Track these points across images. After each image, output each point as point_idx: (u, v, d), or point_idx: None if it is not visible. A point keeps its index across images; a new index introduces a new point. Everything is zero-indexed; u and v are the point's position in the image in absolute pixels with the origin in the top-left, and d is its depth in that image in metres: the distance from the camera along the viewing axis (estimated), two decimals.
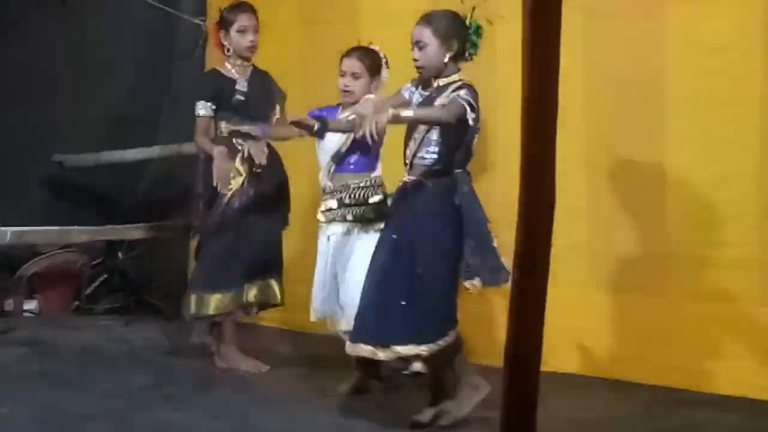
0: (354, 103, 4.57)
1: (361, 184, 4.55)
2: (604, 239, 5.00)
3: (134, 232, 6.48)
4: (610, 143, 4.96)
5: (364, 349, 3.99)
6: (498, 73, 5.07)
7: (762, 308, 4.57)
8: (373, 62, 4.63)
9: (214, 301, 4.93)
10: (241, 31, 5.02)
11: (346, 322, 4.45)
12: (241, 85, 5.04)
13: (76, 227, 6.26)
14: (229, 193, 4.96)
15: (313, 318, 4.71)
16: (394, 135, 4.28)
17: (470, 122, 3.89)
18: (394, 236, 4.05)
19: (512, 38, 5.13)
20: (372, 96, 4.59)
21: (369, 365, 4.33)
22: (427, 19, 4.04)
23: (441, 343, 3.93)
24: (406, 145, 4.10)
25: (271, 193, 5.05)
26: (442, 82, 4.03)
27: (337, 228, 4.59)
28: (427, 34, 4.00)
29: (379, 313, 4.00)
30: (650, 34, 4.87)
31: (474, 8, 4.03)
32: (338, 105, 4.70)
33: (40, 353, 5.22)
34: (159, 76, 6.77)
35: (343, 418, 4.16)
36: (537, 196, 1.64)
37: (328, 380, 4.65)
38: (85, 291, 6.79)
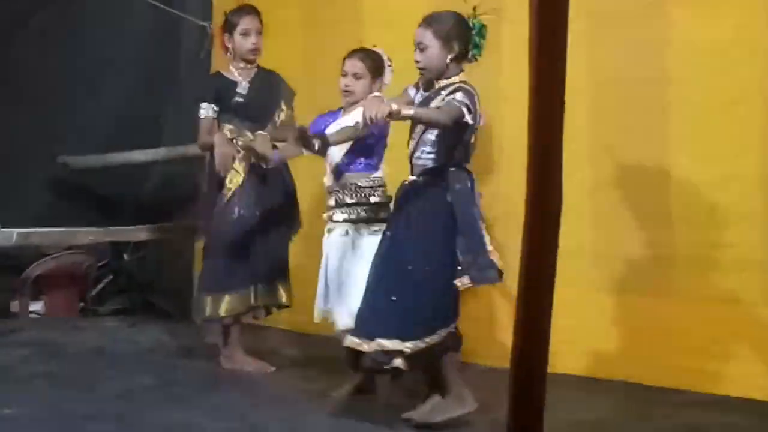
0: (354, 104, 4.59)
1: (362, 184, 4.56)
2: (608, 240, 5.00)
3: (140, 233, 6.49)
4: (614, 144, 4.96)
5: (350, 340, 4.03)
6: (503, 74, 5.09)
7: (766, 309, 4.57)
8: (375, 63, 4.63)
9: (223, 303, 4.94)
10: (244, 34, 5.04)
11: (343, 323, 4.47)
12: (242, 88, 5.06)
13: (81, 228, 6.27)
14: (229, 193, 4.98)
15: (316, 319, 4.72)
16: (399, 136, 4.29)
17: (469, 121, 3.89)
18: (389, 234, 4.13)
19: (517, 40, 5.13)
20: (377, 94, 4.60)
21: (355, 360, 4.30)
22: (428, 20, 4.05)
23: (427, 340, 3.93)
24: (408, 146, 4.13)
25: (275, 194, 5.06)
26: (443, 83, 4.03)
27: (339, 227, 4.60)
28: (428, 36, 4.02)
29: (370, 308, 4.05)
30: (654, 36, 4.88)
31: (475, 8, 4.03)
32: (340, 109, 4.71)
33: (46, 354, 5.23)
34: (164, 78, 6.78)
35: (347, 419, 4.16)
36: (544, 197, 1.64)
37: (333, 381, 4.65)
38: (91, 292, 6.80)
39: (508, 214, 5.16)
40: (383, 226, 4.41)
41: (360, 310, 4.11)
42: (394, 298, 3.98)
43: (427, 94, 4.08)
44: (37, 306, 6.50)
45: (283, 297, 5.09)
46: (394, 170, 4.56)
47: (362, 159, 4.58)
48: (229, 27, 5.09)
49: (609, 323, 4.98)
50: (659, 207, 4.84)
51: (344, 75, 4.62)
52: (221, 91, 5.06)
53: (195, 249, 6.17)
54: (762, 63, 4.56)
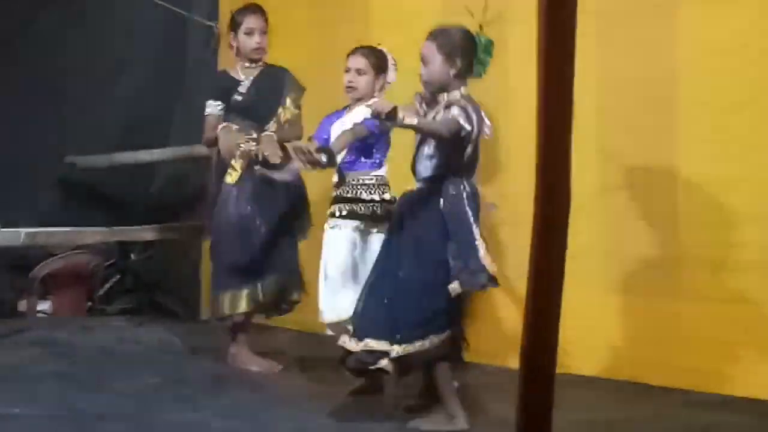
0: (359, 100, 4.60)
1: (363, 182, 4.57)
2: (617, 241, 5.00)
3: (147, 233, 6.50)
4: (623, 145, 4.96)
5: (342, 339, 4.09)
6: (509, 74, 5.08)
7: None
8: (378, 60, 4.65)
9: (242, 300, 4.95)
10: (248, 33, 5.06)
11: (327, 316, 4.55)
12: (243, 86, 5.08)
13: (89, 228, 6.29)
14: (225, 190, 5.02)
15: (320, 318, 4.72)
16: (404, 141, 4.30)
17: (466, 128, 3.89)
18: (387, 240, 4.17)
19: (524, 40, 5.14)
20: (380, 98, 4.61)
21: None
22: (434, 34, 4.07)
23: (418, 345, 3.94)
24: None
25: (279, 192, 5.04)
26: (444, 97, 4.03)
27: (339, 224, 4.61)
28: (432, 50, 4.03)
29: (363, 309, 4.09)
30: (663, 36, 4.87)
31: (481, 27, 4.02)
32: (345, 108, 4.72)
33: (54, 354, 5.24)
34: (171, 78, 6.79)
35: (355, 419, 4.16)
36: (553, 197, 1.64)
37: (341, 381, 4.65)
38: (98, 292, 6.81)
39: (515, 216, 5.16)
40: (384, 224, 4.43)
41: (354, 312, 4.16)
42: (386, 301, 4.01)
43: (428, 107, 4.09)
44: (44, 305, 6.51)
45: (293, 294, 5.08)
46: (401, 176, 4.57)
47: (363, 157, 4.59)
48: (233, 26, 5.12)
49: (618, 324, 4.97)
50: (668, 207, 4.83)
51: (347, 71, 4.64)
52: (225, 89, 5.11)
53: (202, 249, 6.18)
54: None
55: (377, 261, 4.18)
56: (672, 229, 4.82)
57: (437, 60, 4.01)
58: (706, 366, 4.65)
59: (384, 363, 3.97)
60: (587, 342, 4.93)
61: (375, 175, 4.58)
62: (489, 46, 4.05)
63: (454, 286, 3.91)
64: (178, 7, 6.59)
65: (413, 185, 4.16)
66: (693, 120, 4.75)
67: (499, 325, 5.29)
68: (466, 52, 4.02)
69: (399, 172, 4.45)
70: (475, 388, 4.65)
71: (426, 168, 4.07)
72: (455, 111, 3.92)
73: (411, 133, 4.11)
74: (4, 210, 6.27)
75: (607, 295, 4.99)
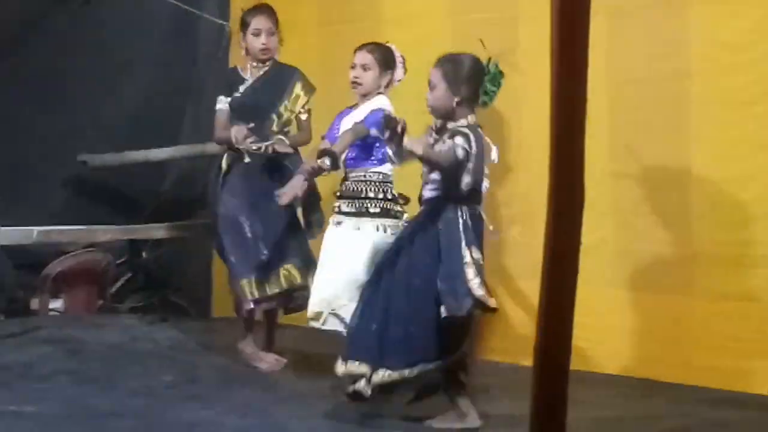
0: (365, 96, 4.61)
1: (362, 179, 4.58)
2: (629, 238, 4.99)
3: (158, 231, 6.51)
4: (634, 142, 4.95)
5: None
6: (520, 71, 5.07)
7: None
8: (384, 56, 4.65)
9: (270, 283, 4.96)
10: (256, 34, 5.08)
11: (310, 308, 4.57)
12: (244, 86, 5.10)
13: (101, 226, 6.30)
14: (220, 182, 5.09)
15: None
16: None
17: (459, 158, 3.87)
18: (381, 263, 4.16)
19: (534, 37, 5.15)
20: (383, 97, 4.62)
21: None
22: (441, 60, 4.05)
23: (406, 373, 3.95)
24: None
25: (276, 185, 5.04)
26: (450, 125, 4.02)
27: (338, 219, 4.63)
28: (437, 76, 4.02)
29: (353, 331, 4.12)
30: (673, 34, 4.87)
31: (490, 58, 3.99)
32: (354, 105, 4.72)
33: (66, 352, 5.25)
34: (183, 77, 6.80)
35: (367, 416, 4.16)
36: (566, 194, 1.64)
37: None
38: (110, 290, 6.82)
39: (527, 213, 5.17)
40: (384, 221, 4.43)
41: (347, 332, 4.21)
42: (374, 327, 4.02)
43: (438, 134, 4.09)
44: (56, 303, 6.52)
45: (298, 278, 5.05)
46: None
47: (365, 154, 4.60)
48: (242, 26, 5.16)
49: (630, 321, 4.97)
50: (680, 204, 4.83)
51: (353, 67, 4.65)
52: (231, 86, 5.15)
53: (213, 247, 6.18)
54: None
55: (372, 280, 4.15)
56: (684, 226, 4.82)
57: (441, 87, 4.00)
58: (718, 363, 4.64)
59: (361, 386, 3.98)
60: (599, 339, 4.93)
61: (377, 172, 4.58)
62: (497, 76, 4.00)
63: (442, 311, 3.89)
64: (190, 5, 6.59)
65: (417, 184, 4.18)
66: (705, 117, 4.75)
67: (510, 322, 5.29)
68: (472, 80, 3.99)
69: (402, 171, 4.44)
70: (485, 385, 4.64)
71: (428, 191, 4.08)
72: (457, 140, 3.91)
73: (418, 132, 4.13)
74: (17, 208, 6.30)
75: (619, 292, 4.98)
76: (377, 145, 4.55)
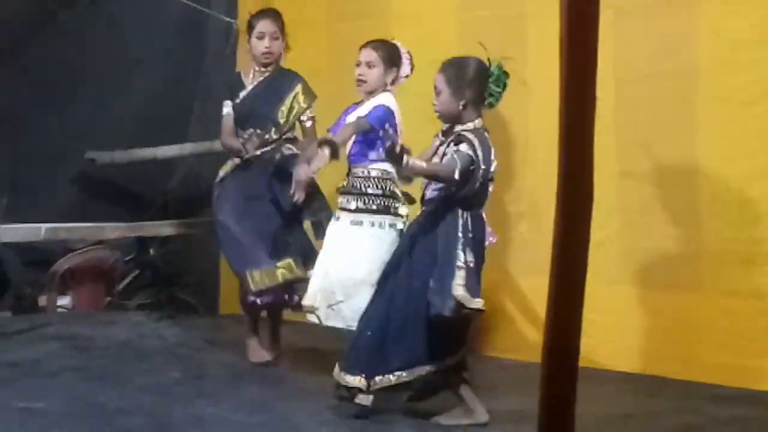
0: (371, 93, 4.61)
1: (362, 175, 4.59)
2: (636, 236, 4.99)
3: (166, 228, 6.53)
4: (642, 140, 4.95)
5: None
6: (528, 67, 5.08)
7: None
8: (389, 53, 4.64)
9: (279, 272, 4.96)
10: (259, 37, 5.08)
11: (306, 300, 4.58)
12: (245, 92, 5.10)
13: (109, 224, 6.32)
14: (218, 181, 5.13)
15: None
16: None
17: (456, 178, 3.89)
18: (389, 266, 4.18)
19: (542, 33, 5.14)
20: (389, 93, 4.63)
21: None
22: (444, 65, 4.08)
23: (404, 375, 4.00)
24: None
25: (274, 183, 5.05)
26: (457, 128, 4.04)
27: (339, 215, 4.64)
28: (441, 81, 4.05)
29: (354, 340, 4.18)
30: (681, 32, 4.86)
31: (489, 59, 4.00)
32: (360, 102, 4.72)
33: (74, 349, 5.25)
34: (190, 74, 6.81)
35: (375, 413, 4.17)
36: (575, 191, 1.64)
37: None
38: (118, 287, 6.83)
39: (534, 209, 5.17)
40: (383, 218, 4.44)
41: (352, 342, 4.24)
42: (369, 334, 4.06)
43: (444, 138, 4.10)
44: (64, 300, 6.54)
45: (297, 272, 5.04)
46: None
47: (365, 151, 4.60)
48: (248, 29, 5.15)
49: (638, 318, 4.97)
50: (687, 202, 4.82)
51: (358, 65, 4.65)
52: (234, 91, 5.16)
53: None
54: None
55: (379, 285, 4.20)
56: (692, 223, 4.81)
57: (446, 92, 4.03)
58: (726, 360, 4.64)
59: (362, 400, 4.07)
60: (606, 336, 4.93)
61: (378, 169, 4.58)
62: (501, 77, 4.01)
63: (431, 310, 3.93)
64: (198, 3, 6.60)
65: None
66: (712, 114, 4.74)
67: (517, 319, 5.29)
68: (476, 83, 4.01)
69: None
70: (492, 382, 4.65)
71: (431, 192, 4.11)
72: (462, 148, 3.93)
73: (425, 129, 4.14)
74: (25, 205, 6.31)
75: (627, 289, 4.98)
76: (379, 141, 4.55)
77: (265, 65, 5.13)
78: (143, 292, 6.95)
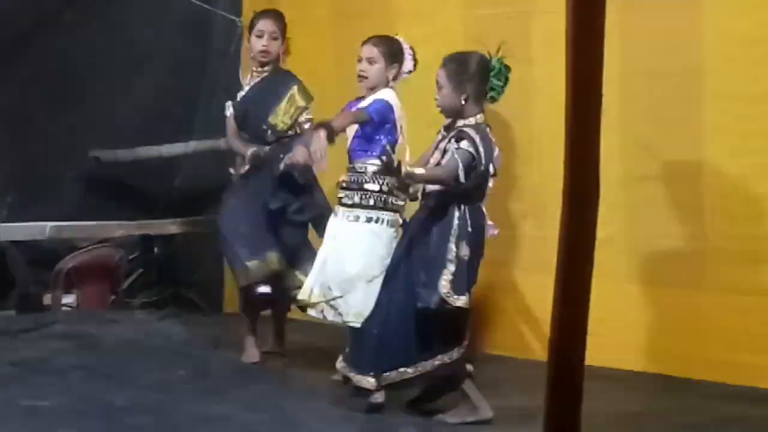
0: (372, 89, 4.60)
1: (360, 170, 4.59)
2: (641, 233, 4.98)
3: (170, 226, 6.52)
4: (648, 136, 4.94)
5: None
6: (533, 65, 5.07)
7: None
8: (390, 49, 4.63)
9: (269, 263, 4.96)
10: (258, 36, 5.06)
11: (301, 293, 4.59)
12: (242, 92, 5.11)
13: (113, 222, 6.31)
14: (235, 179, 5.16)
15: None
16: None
17: (461, 180, 3.91)
18: (392, 263, 4.21)
19: (547, 31, 5.13)
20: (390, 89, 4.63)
21: None
22: (445, 61, 4.09)
23: (409, 371, 4.02)
24: None
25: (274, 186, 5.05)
26: (459, 123, 4.04)
27: (338, 210, 4.64)
28: (442, 76, 4.06)
29: (359, 340, 4.23)
30: (687, 27, 4.85)
31: (489, 53, 4.00)
32: (361, 98, 4.72)
33: (80, 347, 5.26)
34: (195, 72, 6.80)
35: (379, 411, 4.17)
36: (582, 188, 1.64)
37: None
38: (122, 285, 6.83)
39: (539, 206, 5.16)
40: (380, 213, 4.46)
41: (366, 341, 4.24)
42: (375, 331, 4.07)
43: (446, 133, 4.11)
44: (69, 299, 6.54)
45: (275, 266, 5.02)
46: None
47: (364, 146, 4.60)
48: (249, 28, 5.15)
49: (643, 315, 4.96)
50: (693, 199, 4.82)
51: (359, 61, 4.65)
52: (234, 92, 5.18)
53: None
54: None
55: (384, 281, 4.21)
56: (697, 220, 4.80)
57: (447, 87, 4.04)
58: (731, 358, 4.64)
59: (375, 398, 4.10)
60: (611, 334, 4.91)
61: (377, 164, 4.58)
62: (503, 71, 4.02)
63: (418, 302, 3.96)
64: (203, 1, 6.59)
65: None
66: (717, 111, 4.73)
67: (520, 317, 5.29)
68: (477, 78, 4.02)
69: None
70: (496, 380, 4.65)
71: (429, 186, 4.12)
72: (464, 144, 3.94)
73: (428, 124, 4.14)
74: (30, 204, 6.31)
75: (631, 286, 4.98)
76: (377, 137, 4.55)
77: (262, 64, 5.10)
78: (148, 290, 6.95)
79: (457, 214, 3.96)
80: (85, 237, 6.48)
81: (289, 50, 5.18)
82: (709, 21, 4.76)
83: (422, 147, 4.30)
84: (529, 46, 5.01)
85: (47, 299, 6.47)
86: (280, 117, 5.05)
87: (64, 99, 6.56)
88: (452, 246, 3.92)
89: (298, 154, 4.69)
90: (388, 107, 4.52)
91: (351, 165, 4.63)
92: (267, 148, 5.03)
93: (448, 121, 4.13)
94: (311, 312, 4.62)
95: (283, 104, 5.05)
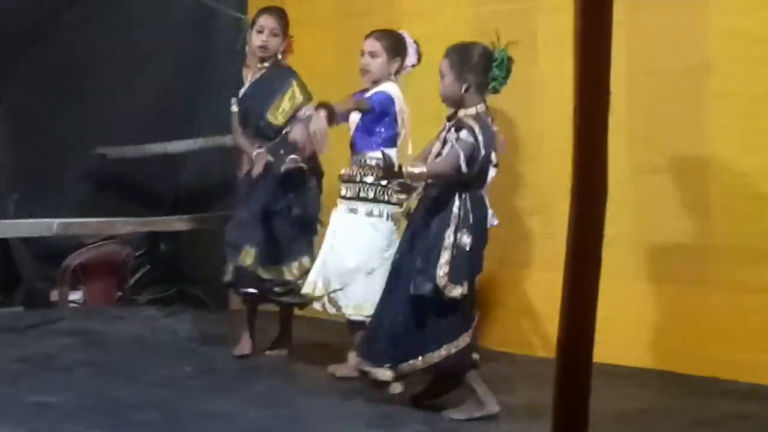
0: (375, 83, 4.61)
1: (360, 163, 4.61)
2: (648, 230, 4.98)
3: (177, 223, 6.53)
4: (654, 134, 4.94)
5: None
6: (539, 63, 5.07)
7: None
8: (393, 43, 4.65)
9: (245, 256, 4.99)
10: (259, 31, 5.06)
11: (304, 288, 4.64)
12: (243, 89, 5.11)
13: (120, 219, 6.33)
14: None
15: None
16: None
17: (463, 170, 3.91)
18: (398, 252, 4.22)
19: (554, 28, 5.12)
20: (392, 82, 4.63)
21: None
22: (448, 50, 4.11)
23: (419, 363, 4.01)
24: None
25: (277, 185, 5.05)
26: (460, 113, 4.06)
27: (339, 203, 4.65)
28: (444, 66, 4.08)
29: (366, 332, 4.28)
30: (694, 25, 4.84)
31: (493, 43, 4.01)
32: (364, 90, 4.73)
33: (86, 343, 5.28)
34: (201, 69, 6.81)
35: (387, 407, 4.17)
36: (590, 186, 1.64)
37: None
38: (129, 282, 6.85)
39: (546, 204, 5.16)
40: (379, 206, 4.49)
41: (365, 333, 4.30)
42: (386, 324, 4.08)
43: (447, 122, 4.12)
44: (76, 295, 6.56)
45: (287, 275, 5.04)
46: None
47: (365, 139, 4.62)
48: (252, 24, 5.15)
49: (648, 313, 4.96)
50: (699, 196, 4.81)
51: (362, 54, 4.66)
52: (238, 89, 5.19)
53: None
54: None
55: (389, 273, 4.23)
56: (703, 218, 4.80)
57: (449, 76, 4.05)
58: (737, 355, 4.63)
59: (395, 388, 4.16)
60: (617, 331, 4.91)
61: (377, 158, 4.59)
62: (505, 62, 4.02)
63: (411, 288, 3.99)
64: None
65: None
66: (724, 109, 4.73)
67: (527, 314, 5.29)
68: (479, 68, 4.03)
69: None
70: (504, 377, 4.65)
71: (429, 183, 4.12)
72: (463, 134, 3.95)
73: (432, 121, 4.15)
74: (37, 200, 6.33)
75: (638, 284, 4.97)
76: (378, 129, 4.57)
77: (261, 60, 5.10)
78: (154, 287, 6.97)
79: (457, 203, 3.97)
80: (91, 234, 6.50)
81: (292, 49, 5.18)
82: (714, 20, 4.75)
83: (426, 143, 4.30)
84: (534, 43, 5.01)
85: (54, 296, 6.50)
86: (277, 113, 5.05)
87: (71, 96, 6.57)
88: (450, 234, 3.93)
89: (297, 133, 4.71)
90: (389, 99, 4.54)
91: (352, 158, 4.65)
92: (261, 147, 5.03)
93: (451, 111, 4.14)
94: (316, 305, 4.64)
95: (281, 100, 5.04)
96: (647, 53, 4.95)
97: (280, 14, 5.12)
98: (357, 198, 4.57)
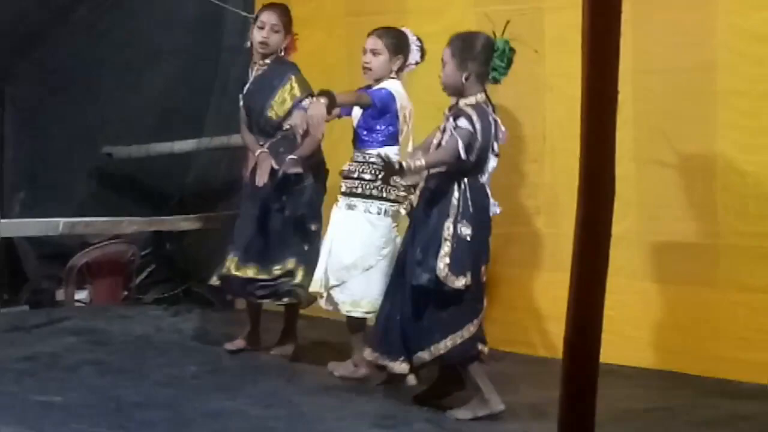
0: (377, 81, 4.61)
1: (359, 159, 4.61)
2: (654, 230, 4.97)
3: (182, 222, 6.54)
4: (660, 133, 4.92)
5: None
6: (545, 62, 5.07)
7: None
8: (394, 41, 4.64)
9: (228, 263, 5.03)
10: (260, 27, 5.06)
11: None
12: (246, 85, 5.12)
13: (126, 218, 6.33)
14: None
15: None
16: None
17: (462, 157, 3.91)
18: (400, 249, 4.25)
19: (560, 27, 5.11)
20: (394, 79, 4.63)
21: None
22: (450, 39, 4.12)
23: (426, 357, 4.02)
24: None
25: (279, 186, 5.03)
26: (460, 102, 4.06)
27: (339, 199, 4.65)
28: (447, 54, 4.08)
29: (375, 326, 4.31)
30: (700, 24, 4.83)
31: (494, 33, 4.01)
32: (366, 87, 4.73)
33: (92, 342, 5.28)
34: (207, 68, 6.82)
35: (392, 407, 4.17)
36: (597, 186, 1.64)
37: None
38: (135, 281, 6.86)
39: (552, 203, 5.16)
40: (378, 203, 4.49)
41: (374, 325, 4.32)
42: (398, 318, 4.08)
43: (447, 112, 4.12)
44: (82, 294, 6.57)
45: (266, 275, 5.02)
46: None
47: (365, 136, 4.61)
48: (254, 20, 5.14)
49: (655, 312, 4.95)
50: (705, 195, 4.80)
51: (364, 52, 4.66)
52: (243, 86, 5.19)
53: None
54: None
55: (394, 268, 4.24)
56: (709, 217, 4.79)
57: (450, 64, 4.06)
58: (743, 355, 4.62)
59: (411, 380, 4.22)
60: (624, 331, 4.91)
61: (368, 153, 4.58)
62: (507, 52, 4.02)
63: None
64: None
65: None
66: (730, 108, 4.72)
67: (532, 314, 5.28)
68: (480, 57, 4.03)
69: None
70: (509, 376, 4.64)
71: (432, 169, 4.11)
72: (462, 122, 3.96)
73: (436, 115, 4.15)
74: (43, 200, 6.34)
75: (644, 283, 4.96)
76: (378, 126, 4.57)
77: (263, 56, 5.09)
78: (160, 286, 6.98)
79: (456, 193, 3.97)
80: (97, 233, 6.50)
81: (295, 47, 5.17)
82: (720, 18, 4.74)
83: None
84: (540, 42, 5.00)
85: (60, 295, 6.51)
86: (276, 107, 5.03)
87: (77, 95, 6.59)
88: (450, 225, 3.93)
89: (296, 118, 4.71)
90: (390, 96, 4.54)
91: (353, 155, 4.66)
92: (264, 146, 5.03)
93: (453, 101, 4.14)
94: (321, 303, 4.66)
95: (280, 94, 5.03)
96: (653, 52, 4.93)
97: (282, 10, 5.11)
98: (355, 194, 4.58)
